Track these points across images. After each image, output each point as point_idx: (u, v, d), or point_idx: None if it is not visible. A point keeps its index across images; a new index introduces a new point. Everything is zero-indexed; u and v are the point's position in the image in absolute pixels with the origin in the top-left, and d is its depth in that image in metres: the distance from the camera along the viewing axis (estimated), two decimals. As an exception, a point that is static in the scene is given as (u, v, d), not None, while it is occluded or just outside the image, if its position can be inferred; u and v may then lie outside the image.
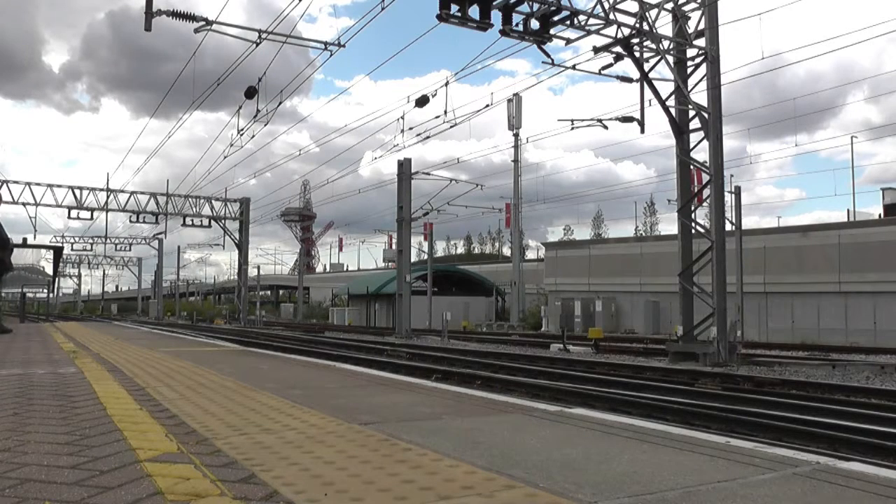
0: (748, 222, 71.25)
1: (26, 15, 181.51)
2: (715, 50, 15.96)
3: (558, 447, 3.43)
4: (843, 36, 41.01)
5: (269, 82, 19.17)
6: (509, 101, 37.69)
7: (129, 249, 69.78)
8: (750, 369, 14.28)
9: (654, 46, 15.61)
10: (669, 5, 15.99)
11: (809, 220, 71.82)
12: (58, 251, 46.14)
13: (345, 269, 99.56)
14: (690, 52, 16.35)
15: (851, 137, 44.49)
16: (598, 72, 16.38)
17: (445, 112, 21.00)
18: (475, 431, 3.85)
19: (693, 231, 16.75)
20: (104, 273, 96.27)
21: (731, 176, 41.82)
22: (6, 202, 36.87)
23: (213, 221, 44.66)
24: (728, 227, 17.91)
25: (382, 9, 14.78)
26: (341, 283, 67.50)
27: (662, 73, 16.66)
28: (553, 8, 14.09)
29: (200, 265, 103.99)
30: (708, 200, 16.29)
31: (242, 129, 23.96)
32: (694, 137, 16.47)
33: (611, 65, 16.13)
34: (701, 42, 16.13)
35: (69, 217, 39.60)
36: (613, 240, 46.82)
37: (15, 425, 4.01)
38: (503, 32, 13.91)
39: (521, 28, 14.15)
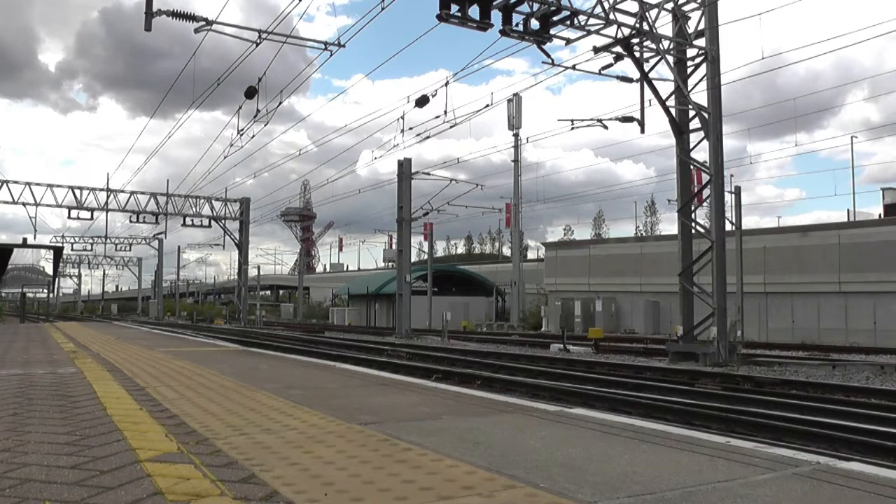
0: (748, 222, 71.33)
1: (21, 12, 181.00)
2: (715, 50, 15.96)
3: (558, 447, 3.44)
4: (844, 36, 40.96)
5: (269, 82, 19.13)
6: (509, 101, 37.65)
7: (129, 249, 69.78)
8: (750, 369, 14.28)
9: (654, 46, 15.60)
10: (669, 5, 15.98)
11: (809, 220, 71.84)
12: (58, 251, 46.21)
13: (345, 269, 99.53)
14: (690, 52, 16.34)
15: (851, 137, 44.53)
16: (598, 72, 16.37)
17: (445, 112, 20.98)
18: (475, 431, 3.85)
19: (693, 231, 16.75)
20: (104, 273, 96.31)
21: (731, 176, 41.81)
22: (5, 202, 36.88)
23: (213, 221, 44.63)
24: (728, 227, 17.89)
25: (382, 9, 14.76)
26: (341, 283, 67.48)
27: (662, 73, 16.67)
28: (553, 8, 14.08)
29: (200, 265, 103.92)
30: (708, 200, 16.28)
31: (242, 130, 23.93)
32: (694, 137, 16.46)
33: (611, 65, 16.12)
34: (701, 42, 16.12)
35: (69, 217, 39.58)
36: (613, 240, 46.79)
37: (15, 425, 4.01)
38: (503, 32, 13.89)
39: (521, 28, 14.14)
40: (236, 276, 50.10)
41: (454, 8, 12.94)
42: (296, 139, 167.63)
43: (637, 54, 15.52)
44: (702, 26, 16.06)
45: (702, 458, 3.18)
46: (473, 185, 35.04)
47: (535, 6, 13.95)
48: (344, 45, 16.88)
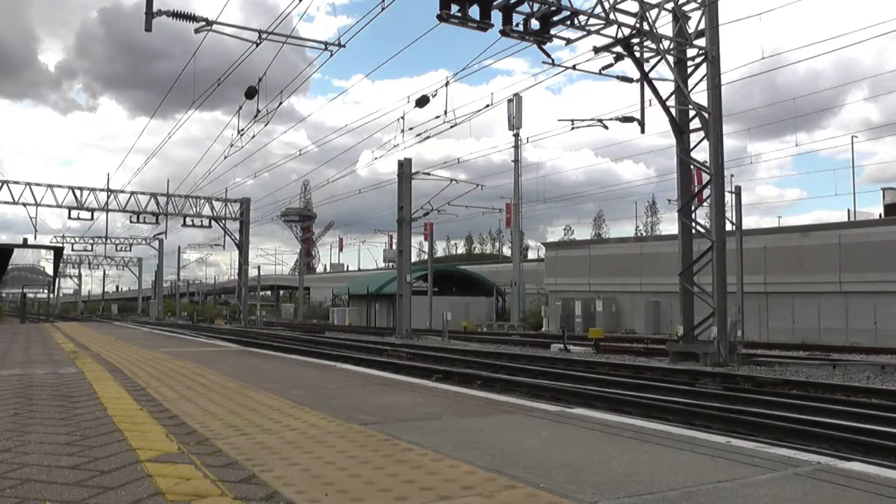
0: (748, 222, 71.25)
1: (21, 12, 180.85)
2: (715, 50, 15.96)
3: (559, 447, 3.44)
4: (844, 35, 40.95)
5: (269, 82, 19.12)
6: (509, 101, 37.66)
7: (130, 250, 69.86)
8: (750, 369, 14.27)
9: (654, 46, 15.59)
10: (669, 5, 15.98)
11: (809, 220, 71.76)
12: (58, 252, 46.24)
13: (345, 269, 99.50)
14: (690, 52, 16.34)
15: (852, 137, 44.55)
16: (598, 72, 16.36)
17: (445, 112, 20.97)
18: (475, 431, 3.85)
19: (693, 231, 16.74)
20: (104, 273, 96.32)
21: (732, 176, 41.72)
22: (6, 202, 36.89)
23: (213, 222, 44.65)
24: (728, 226, 17.89)
25: (383, 9, 14.75)
26: (342, 283, 67.46)
27: (662, 73, 16.66)
28: (553, 8, 14.08)
29: (200, 265, 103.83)
30: (708, 200, 16.28)
31: (242, 130, 23.92)
32: (694, 137, 16.46)
33: (611, 65, 16.12)
34: (701, 42, 16.12)
35: (69, 217, 39.62)
36: (614, 240, 46.79)
37: (16, 425, 4.01)
38: (503, 33, 13.89)
39: (521, 28, 14.13)
40: (236, 277, 50.12)
41: (454, 8, 12.94)
42: (296, 139, 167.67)
43: (637, 54, 15.51)
44: (702, 26, 16.06)
45: (702, 458, 3.18)
46: (473, 185, 35.06)
47: (536, 6, 13.95)
48: (344, 46, 16.89)
